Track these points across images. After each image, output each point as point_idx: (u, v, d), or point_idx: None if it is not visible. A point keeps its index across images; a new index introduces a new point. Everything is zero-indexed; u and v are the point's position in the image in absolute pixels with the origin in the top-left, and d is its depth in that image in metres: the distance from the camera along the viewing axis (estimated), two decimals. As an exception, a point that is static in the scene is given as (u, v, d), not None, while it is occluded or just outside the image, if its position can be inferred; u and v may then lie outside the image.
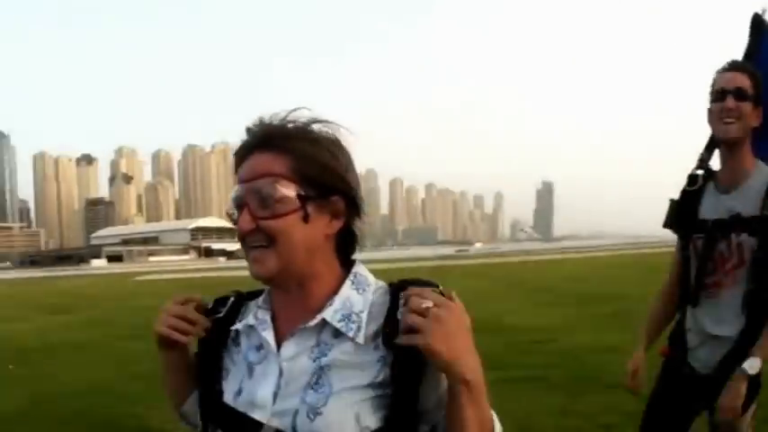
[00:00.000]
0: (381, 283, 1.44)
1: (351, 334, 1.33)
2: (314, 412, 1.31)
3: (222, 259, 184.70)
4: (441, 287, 1.30)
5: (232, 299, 1.56)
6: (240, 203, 1.37)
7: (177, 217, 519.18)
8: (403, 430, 1.31)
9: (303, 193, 1.33)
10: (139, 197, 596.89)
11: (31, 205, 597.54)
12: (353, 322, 1.34)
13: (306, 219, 1.33)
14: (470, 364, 1.23)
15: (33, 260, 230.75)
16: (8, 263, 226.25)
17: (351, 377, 1.32)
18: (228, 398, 1.43)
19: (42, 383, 9.45)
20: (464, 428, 1.26)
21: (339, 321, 1.34)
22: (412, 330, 1.22)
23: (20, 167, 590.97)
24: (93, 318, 19.08)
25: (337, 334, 1.34)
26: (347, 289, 1.39)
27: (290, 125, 1.37)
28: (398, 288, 1.36)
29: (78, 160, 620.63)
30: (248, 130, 1.41)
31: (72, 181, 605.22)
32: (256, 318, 1.45)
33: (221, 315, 1.54)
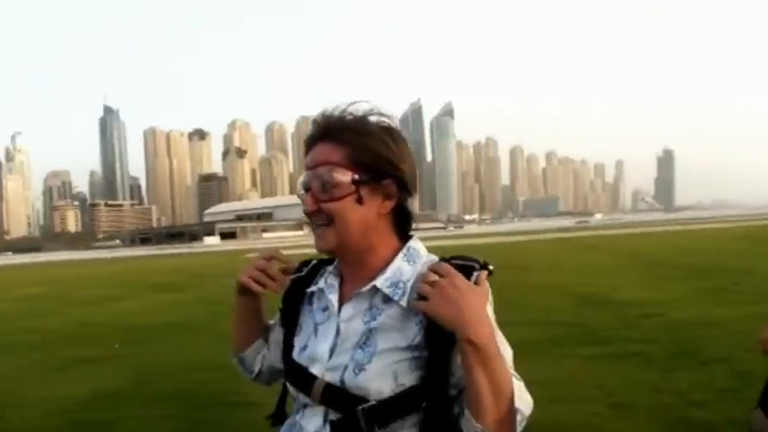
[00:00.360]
0: (433, 257, 1.65)
1: (396, 298, 1.56)
2: (359, 368, 1.54)
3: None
4: (482, 263, 1.50)
5: (314, 262, 1.82)
6: (306, 187, 1.62)
7: (292, 192, 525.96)
8: (434, 390, 1.50)
9: (357, 178, 1.57)
10: (253, 171, 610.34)
11: (142, 182, 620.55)
12: (399, 288, 1.57)
13: (360, 201, 1.58)
14: (475, 327, 1.39)
15: (144, 238, 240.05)
16: (118, 241, 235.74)
17: (393, 339, 1.54)
18: (295, 353, 1.70)
19: (147, 361, 9.84)
20: (476, 389, 1.41)
21: (388, 288, 1.57)
22: (422, 298, 1.44)
23: (130, 144, 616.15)
24: (201, 296, 19.52)
25: (387, 300, 1.58)
26: (399, 260, 1.63)
27: (349, 117, 1.60)
28: (445, 261, 1.55)
29: (190, 135, 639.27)
30: (314, 122, 1.65)
31: (184, 156, 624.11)
32: (326, 282, 1.71)
33: (302, 275, 1.80)
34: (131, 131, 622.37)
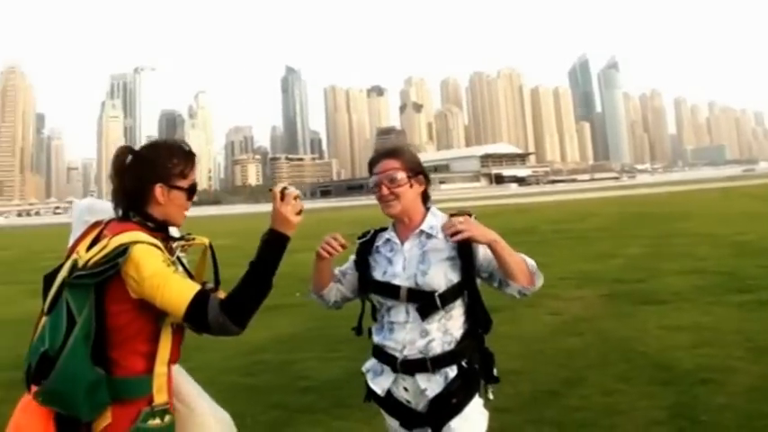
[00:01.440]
0: (444, 214, 3.04)
1: (434, 234, 2.97)
2: (423, 273, 2.90)
3: (514, 185, 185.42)
4: (472, 214, 2.87)
5: (372, 231, 3.21)
6: (377, 183, 3.00)
7: (467, 144, 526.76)
8: (470, 279, 2.91)
9: (408, 175, 2.98)
10: (429, 125, 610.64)
11: (322, 137, 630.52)
12: (434, 229, 2.98)
13: (411, 186, 2.99)
14: (492, 234, 2.76)
15: (324, 190, 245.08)
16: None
17: (438, 254, 2.93)
18: (378, 276, 3.01)
19: (322, 310, 10.42)
20: (506, 266, 2.81)
21: (429, 229, 3.00)
22: (457, 231, 2.72)
23: (311, 101, 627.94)
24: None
25: (429, 236, 2.98)
26: (429, 217, 3.05)
27: (398, 146, 3.11)
28: (454, 215, 2.86)
29: (369, 91, 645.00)
30: (377, 150, 3.16)
31: (363, 112, 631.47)
32: (389, 234, 3.12)
33: (367, 239, 3.18)
34: (312, 90, 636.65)
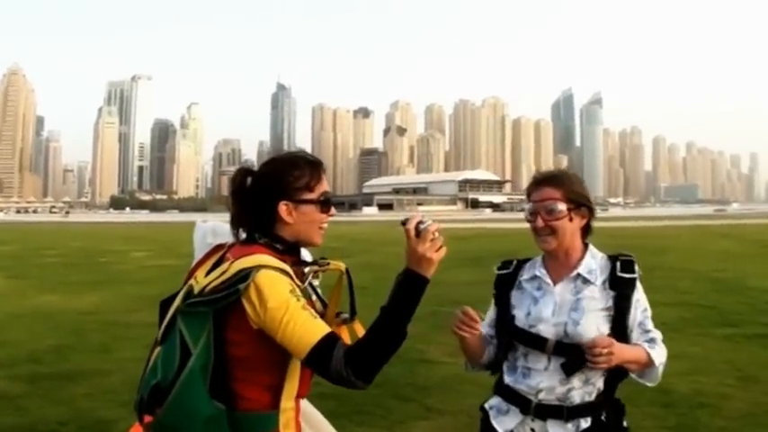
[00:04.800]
0: (602, 254, 2.68)
1: (593, 280, 2.59)
2: (575, 323, 2.53)
3: (488, 210, 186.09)
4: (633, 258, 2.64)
5: (515, 262, 2.84)
6: (533, 212, 2.64)
7: (446, 169, 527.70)
8: (622, 334, 2.53)
9: (568, 207, 2.59)
10: (411, 148, 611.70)
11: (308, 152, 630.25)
12: (592, 274, 2.60)
13: (570, 219, 2.60)
14: (629, 358, 2.51)
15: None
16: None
17: (594, 304, 2.56)
18: (520, 319, 2.65)
19: None
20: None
21: (587, 273, 2.61)
22: (601, 359, 2.39)
23: (299, 118, 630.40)
24: (369, 262, 20.31)
25: (585, 281, 2.60)
26: (588, 257, 2.65)
27: (559, 173, 2.71)
28: (614, 258, 2.64)
29: (355, 112, 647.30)
30: (536, 174, 2.71)
31: (348, 131, 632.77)
32: (539, 271, 2.71)
33: (510, 271, 2.82)
34: (300, 107, 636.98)
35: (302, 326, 2.01)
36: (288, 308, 2.01)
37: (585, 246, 2.69)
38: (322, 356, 1.98)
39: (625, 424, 2.66)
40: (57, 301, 13.40)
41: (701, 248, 27.65)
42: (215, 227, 3.54)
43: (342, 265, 2.37)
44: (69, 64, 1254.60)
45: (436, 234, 2.09)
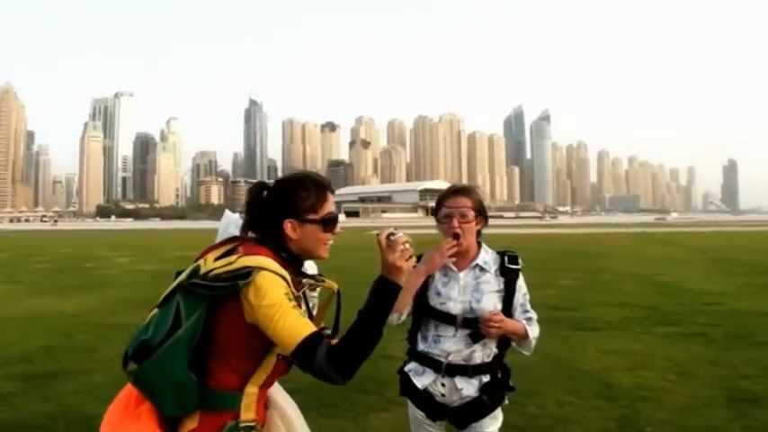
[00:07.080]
0: (492, 250, 3.21)
1: (488, 269, 3.12)
2: (477, 301, 3.05)
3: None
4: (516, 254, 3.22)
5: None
6: (449, 215, 3.10)
7: (408, 179, 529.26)
8: (508, 312, 3.08)
9: (475, 214, 3.11)
10: (375, 160, 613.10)
11: (279, 165, 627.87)
12: (487, 264, 3.13)
13: (476, 224, 3.14)
14: (515, 327, 3.12)
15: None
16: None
17: (490, 287, 3.09)
18: (434, 299, 3.11)
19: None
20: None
21: (483, 263, 3.12)
22: (494, 326, 2.97)
23: (270, 132, 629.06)
24: (337, 266, 20.29)
25: (482, 269, 3.11)
26: (482, 252, 3.17)
27: (470, 187, 3.22)
28: (502, 253, 3.19)
29: (323, 127, 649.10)
30: (452, 186, 3.29)
31: (317, 144, 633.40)
32: (448, 262, 3.06)
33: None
34: (272, 121, 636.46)
35: (291, 323, 2.06)
36: (280, 307, 2.07)
37: (479, 244, 3.19)
38: (307, 352, 2.04)
39: (511, 383, 3.22)
40: (47, 305, 13.27)
41: (643, 254, 28.13)
42: (239, 220, 3.61)
43: (335, 285, 2.41)
44: (56, 82, 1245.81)
45: (406, 245, 2.17)
